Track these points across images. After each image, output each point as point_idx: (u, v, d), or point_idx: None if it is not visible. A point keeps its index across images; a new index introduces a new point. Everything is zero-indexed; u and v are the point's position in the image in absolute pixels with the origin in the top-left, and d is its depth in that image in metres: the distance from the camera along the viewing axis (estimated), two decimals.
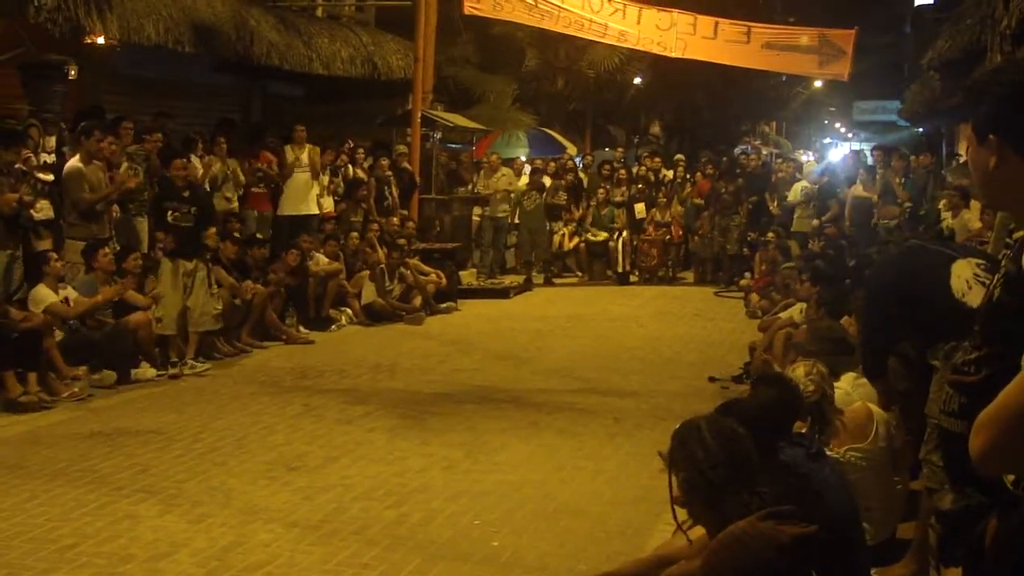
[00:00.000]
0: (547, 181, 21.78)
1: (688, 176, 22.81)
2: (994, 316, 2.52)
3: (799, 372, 5.85)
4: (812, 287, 10.84)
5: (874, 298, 6.61)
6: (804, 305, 11.13)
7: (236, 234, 14.16)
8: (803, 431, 5.53)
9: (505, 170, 21.47)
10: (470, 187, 21.22)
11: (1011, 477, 2.10)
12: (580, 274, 21.63)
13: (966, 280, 5.42)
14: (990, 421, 1.77)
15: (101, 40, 14.11)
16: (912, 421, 6.68)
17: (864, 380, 6.79)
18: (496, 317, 16.43)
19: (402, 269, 16.34)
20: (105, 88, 15.99)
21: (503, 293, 18.83)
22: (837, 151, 37.13)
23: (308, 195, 16.44)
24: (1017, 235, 2.51)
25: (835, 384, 6.56)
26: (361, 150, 18.68)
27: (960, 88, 14.46)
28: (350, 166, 17.99)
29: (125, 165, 13.21)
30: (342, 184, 17.51)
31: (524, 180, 21.48)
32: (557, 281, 21.21)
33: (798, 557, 3.59)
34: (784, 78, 34.31)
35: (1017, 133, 2.51)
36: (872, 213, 18.35)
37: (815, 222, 18.75)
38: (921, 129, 32.79)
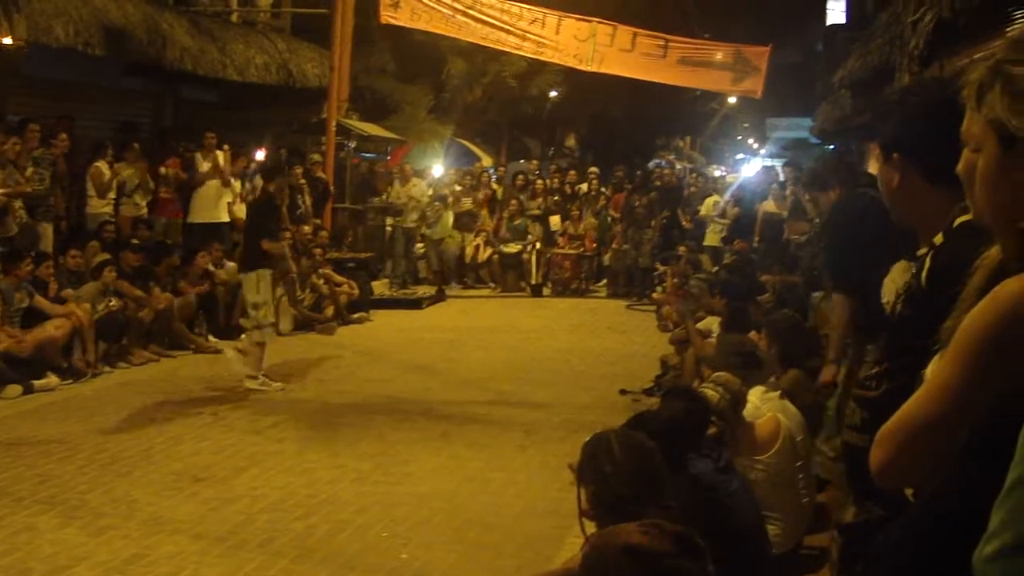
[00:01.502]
0: (458, 190, 21.87)
1: (602, 189, 22.94)
2: (897, 331, 2.57)
3: (711, 388, 5.91)
4: (720, 301, 10.94)
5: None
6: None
7: (134, 240, 13.97)
8: (712, 441, 5.58)
9: (417, 180, 21.45)
10: (384, 197, 21.15)
11: (911, 490, 2.13)
12: (493, 286, 21.65)
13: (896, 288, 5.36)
14: (889, 435, 1.80)
15: (8, 41, 13.84)
16: (817, 435, 6.79)
17: (773, 395, 6.87)
18: (408, 328, 16.38)
19: (314, 278, 16.24)
20: (12, 90, 15.69)
21: (416, 304, 18.79)
22: (749, 167, 37.50)
23: (219, 202, 16.31)
24: (920, 252, 2.56)
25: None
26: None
27: (869, 107, 14.70)
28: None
29: (31, 169, 13.00)
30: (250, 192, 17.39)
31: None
32: (470, 293, 21.22)
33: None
34: (699, 93, 34.58)
35: (919, 152, 2.56)
36: (782, 229, 18.57)
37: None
38: (832, 146, 33.27)
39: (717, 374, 6.29)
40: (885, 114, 2.70)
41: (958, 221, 2.40)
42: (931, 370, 1.87)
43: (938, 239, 2.50)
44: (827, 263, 6.96)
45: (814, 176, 8.15)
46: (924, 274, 2.48)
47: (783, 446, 6.25)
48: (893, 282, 5.05)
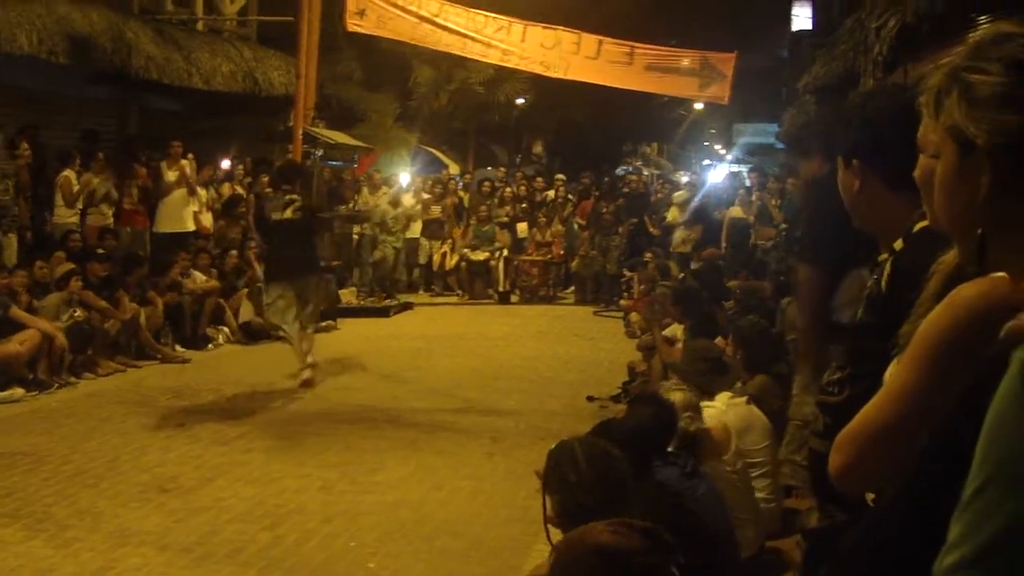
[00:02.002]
0: (426, 198, 21.89)
1: (569, 196, 22.97)
2: (858, 336, 2.58)
3: (677, 397, 5.92)
4: (674, 308, 10.92)
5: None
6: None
7: (100, 250, 13.88)
8: (684, 448, 5.59)
9: (387, 188, 21.42)
10: (351, 205, 21.08)
11: (871, 495, 2.14)
12: (461, 293, 21.64)
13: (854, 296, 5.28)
14: (848, 440, 1.80)
15: None
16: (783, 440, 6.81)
17: (739, 400, 6.89)
18: (376, 336, 16.34)
19: None
20: None
21: (383, 312, 18.74)
22: (716, 172, 37.63)
23: (184, 211, 16.23)
24: (881, 257, 2.57)
25: (710, 403, 6.66)
26: (241, 167, 18.47)
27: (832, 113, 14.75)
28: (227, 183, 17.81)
29: None
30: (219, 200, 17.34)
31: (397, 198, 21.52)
32: (438, 300, 21.21)
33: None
34: (666, 99, 34.69)
35: (879, 159, 2.57)
36: (749, 234, 18.65)
37: (682, 241, 19.05)
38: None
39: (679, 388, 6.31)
40: (845, 120, 2.72)
41: (918, 227, 2.41)
42: (889, 374, 1.87)
43: (898, 245, 2.51)
44: (805, 235, 6.80)
45: (798, 140, 8.14)
46: (884, 280, 2.49)
47: (738, 450, 6.28)
48: (847, 291, 5.01)
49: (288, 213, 12.11)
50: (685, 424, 5.75)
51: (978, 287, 1.60)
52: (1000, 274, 1.55)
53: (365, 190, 21.39)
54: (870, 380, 1.98)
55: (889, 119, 2.53)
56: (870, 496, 2.17)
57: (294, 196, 12.50)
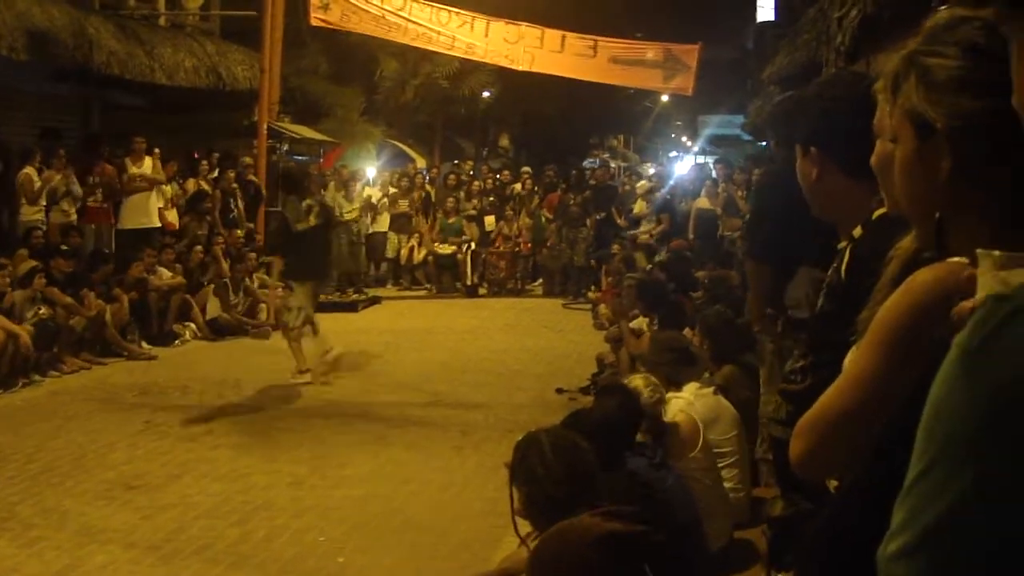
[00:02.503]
0: (393, 192, 21.87)
1: (535, 188, 22.96)
2: (819, 325, 2.59)
3: (638, 382, 5.94)
4: (639, 301, 10.93)
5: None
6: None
7: (64, 247, 13.79)
8: (644, 441, 5.61)
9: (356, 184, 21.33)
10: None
11: (834, 482, 2.14)
12: (429, 287, 21.61)
13: (805, 292, 5.28)
14: (808, 426, 1.81)
15: None
16: (751, 429, 6.84)
17: (707, 390, 6.91)
18: (344, 331, 16.22)
19: (247, 282, 16.12)
20: None
21: (351, 307, 18.66)
22: (682, 164, 37.71)
23: (148, 207, 16.13)
24: (841, 245, 2.58)
25: (678, 394, 6.67)
26: (205, 162, 18.38)
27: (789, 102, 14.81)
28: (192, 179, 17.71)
29: None
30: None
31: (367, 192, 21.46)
32: (406, 294, 21.17)
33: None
34: (632, 92, 34.78)
35: (836, 146, 2.58)
36: (717, 225, 18.71)
37: (645, 236, 19.09)
38: (763, 143, 33.59)
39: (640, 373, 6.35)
40: (802, 108, 2.73)
41: (877, 214, 2.42)
42: (848, 361, 1.87)
43: (857, 232, 2.52)
44: (749, 229, 6.78)
45: (755, 127, 8.13)
46: (843, 267, 2.50)
47: (705, 442, 6.30)
48: (798, 287, 4.99)
49: (312, 220, 12.22)
50: (648, 400, 5.77)
51: (935, 272, 1.60)
52: (957, 259, 1.56)
53: (332, 185, 21.30)
54: (831, 368, 1.98)
55: (846, 107, 2.54)
56: (833, 483, 2.18)
57: (310, 202, 12.64)
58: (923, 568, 1.27)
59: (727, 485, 6.59)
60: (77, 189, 15.14)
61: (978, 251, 1.44)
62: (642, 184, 22.36)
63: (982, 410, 1.24)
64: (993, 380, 1.24)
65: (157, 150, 16.53)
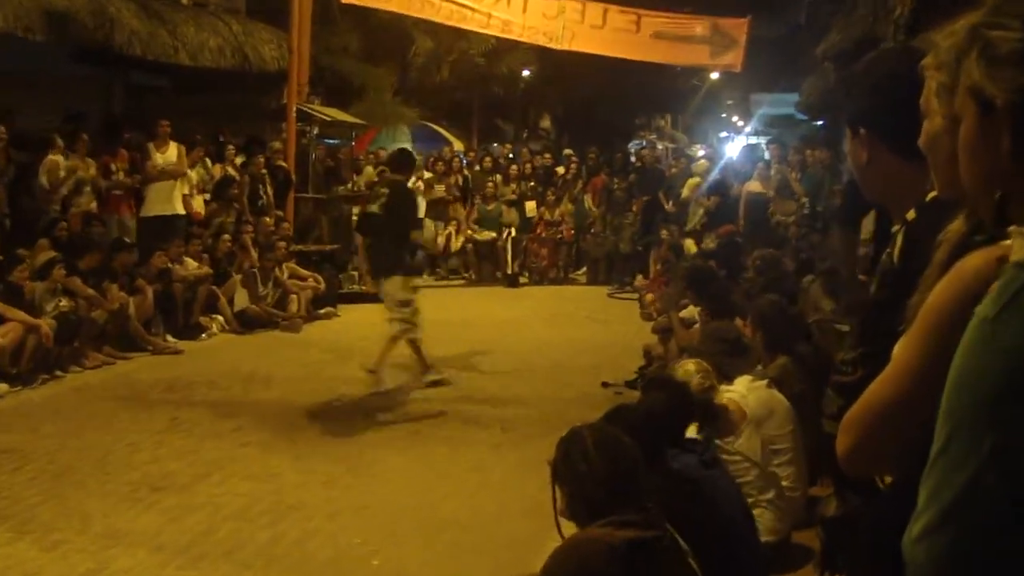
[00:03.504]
0: (429, 176, 21.88)
1: (579, 172, 22.91)
2: (871, 313, 2.59)
3: (689, 367, 5.95)
4: (688, 290, 10.89)
5: None
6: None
7: (88, 238, 13.88)
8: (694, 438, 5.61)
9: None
10: (350, 185, 21.07)
11: (888, 479, 2.15)
12: (467, 276, 21.65)
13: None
14: (855, 420, 1.81)
15: None
16: (807, 424, 6.82)
17: (760, 383, 6.90)
18: (378, 323, 16.22)
19: (277, 273, 16.19)
20: None
21: None
22: (733, 145, 37.49)
23: (173, 194, 16.17)
24: (894, 229, 2.57)
25: (729, 388, 6.67)
26: (232, 146, 18.47)
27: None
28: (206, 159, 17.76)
29: None
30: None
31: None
32: (443, 284, 21.21)
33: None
34: (679, 69, 34.60)
35: (887, 127, 2.57)
36: (768, 209, 18.63)
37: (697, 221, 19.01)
38: (820, 122, 33.37)
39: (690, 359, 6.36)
40: (850, 86, 2.72)
41: (931, 196, 2.40)
42: (896, 350, 1.87)
43: (911, 215, 2.51)
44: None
45: (808, 106, 8.27)
46: (896, 252, 2.50)
47: (750, 430, 6.30)
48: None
49: (374, 207, 12.20)
50: (699, 385, 5.79)
51: (985, 256, 1.60)
52: (1008, 242, 1.56)
53: (369, 169, 21.33)
54: (884, 358, 1.99)
55: (896, 84, 2.52)
56: (888, 479, 2.19)
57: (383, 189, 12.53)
58: (945, 545, 1.29)
59: (783, 484, 6.59)
60: (100, 177, 15.22)
61: (1011, 228, 1.44)
62: (700, 163, 22.21)
63: (999, 376, 1.25)
64: (1010, 346, 1.25)
65: (181, 146, 16.50)
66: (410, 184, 21.25)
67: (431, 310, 17.69)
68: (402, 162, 13.17)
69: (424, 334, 12.16)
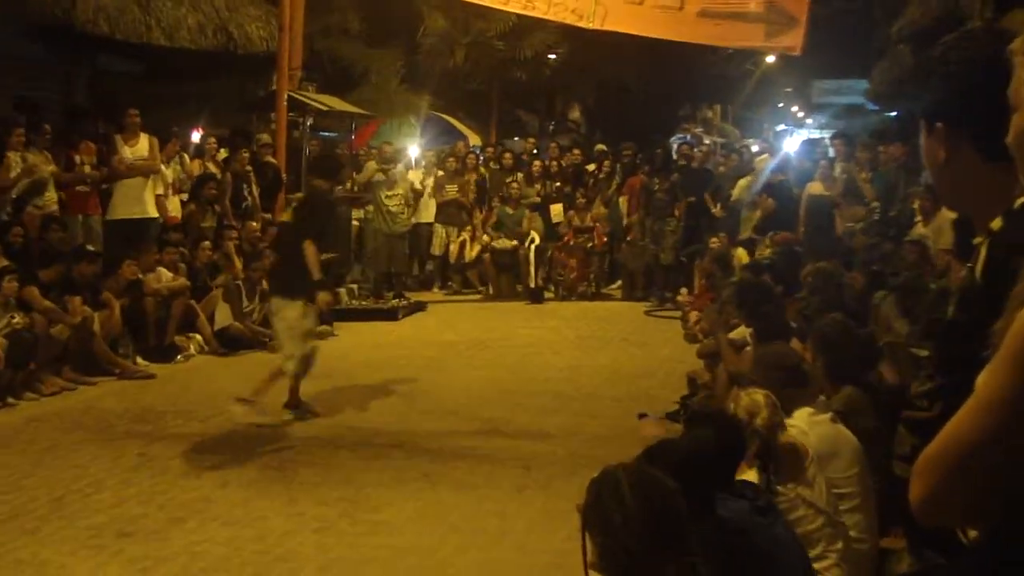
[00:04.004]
0: (440, 175, 21.90)
1: (613, 171, 22.86)
2: (949, 338, 2.57)
3: (758, 398, 5.92)
4: (739, 309, 10.82)
5: None
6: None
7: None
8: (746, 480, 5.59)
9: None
10: (349, 185, 21.11)
11: (973, 532, 2.13)
12: (484, 290, 21.65)
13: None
14: (931, 462, 1.79)
15: None
16: (876, 466, 6.78)
17: (822, 417, 6.87)
18: (382, 344, 16.38)
19: (264, 285, 16.20)
20: None
21: (390, 314, 18.75)
22: (792, 140, 37.45)
23: (144, 194, 16.18)
24: (976, 241, 2.55)
25: (789, 422, 6.64)
26: (213, 139, 18.52)
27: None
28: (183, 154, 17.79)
29: None
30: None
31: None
32: (457, 299, 21.23)
33: None
34: (729, 52, 34.60)
35: (968, 121, 2.54)
36: (832, 214, 18.55)
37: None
38: (894, 113, 33.31)
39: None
40: (925, 76, 2.69)
41: (1020, 202, 2.38)
42: (980, 381, 1.85)
43: (996, 224, 2.49)
44: None
45: (880, 95, 8.17)
46: (980, 267, 2.47)
47: (813, 471, 6.27)
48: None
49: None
50: (765, 422, 5.76)
51: None
52: None
53: (371, 165, 21.31)
54: (965, 391, 1.97)
55: (978, 73, 2.50)
56: (971, 533, 2.17)
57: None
58: None
59: (850, 533, 6.55)
60: (61, 173, 15.24)
61: None
62: (762, 157, 22.16)
63: None
64: None
65: (153, 139, 16.51)
66: (419, 183, 21.44)
67: (441, 329, 17.81)
68: (326, 167, 13.23)
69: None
